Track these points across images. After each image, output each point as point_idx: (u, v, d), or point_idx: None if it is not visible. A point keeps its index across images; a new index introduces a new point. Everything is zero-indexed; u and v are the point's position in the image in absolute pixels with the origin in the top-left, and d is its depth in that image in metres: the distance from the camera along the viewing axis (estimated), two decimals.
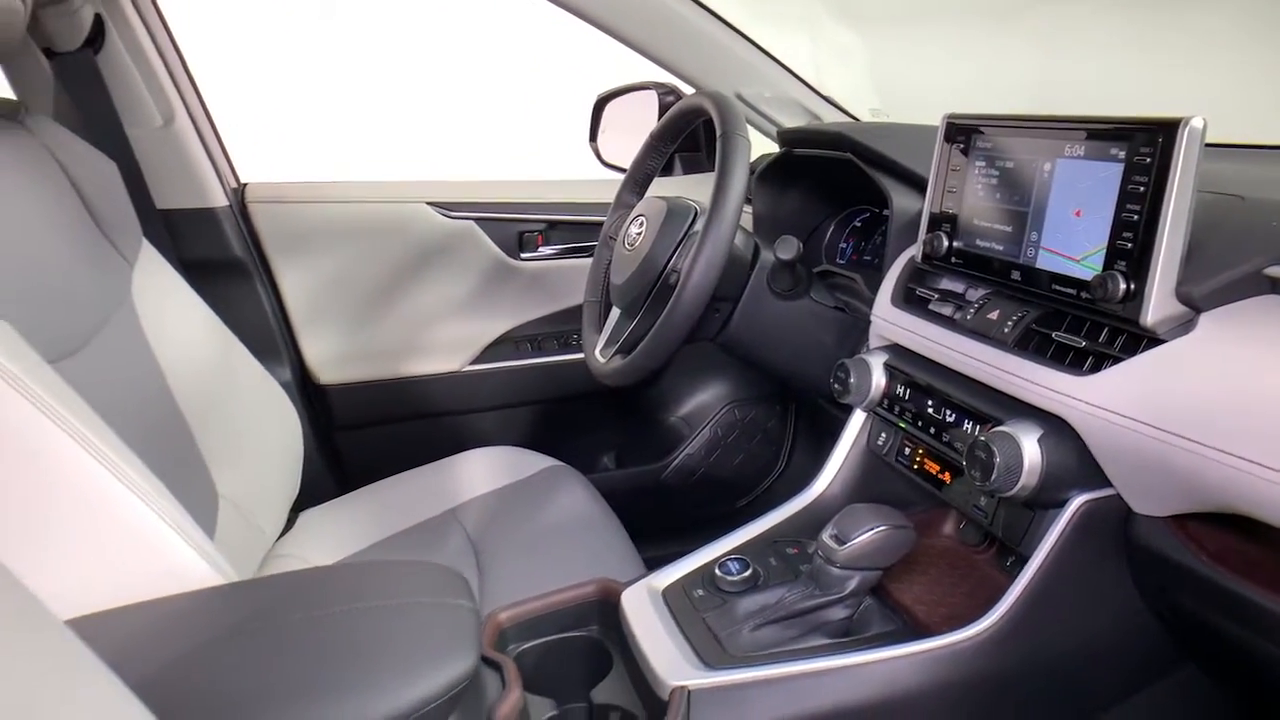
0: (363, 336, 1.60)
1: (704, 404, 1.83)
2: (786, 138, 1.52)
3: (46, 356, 0.78)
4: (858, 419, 1.12)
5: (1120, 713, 0.91)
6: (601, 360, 1.22)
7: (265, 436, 1.26)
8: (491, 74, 4.73)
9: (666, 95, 1.60)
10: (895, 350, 1.08)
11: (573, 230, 1.66)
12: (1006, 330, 0.90)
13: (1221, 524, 0.74)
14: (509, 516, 1.30)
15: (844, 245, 1.48)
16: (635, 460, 1.82)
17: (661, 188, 1.27)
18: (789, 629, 0.89)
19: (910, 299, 1.06)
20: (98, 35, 1.29)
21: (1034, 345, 0.86)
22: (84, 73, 1.29)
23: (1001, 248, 0.92)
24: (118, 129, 1.33)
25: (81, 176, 1.03)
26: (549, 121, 4.47)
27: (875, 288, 1.13)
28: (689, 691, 0.80)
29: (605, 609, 0.96)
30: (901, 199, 1.16)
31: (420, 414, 1.66)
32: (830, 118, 1.61)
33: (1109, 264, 0.79)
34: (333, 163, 4.11)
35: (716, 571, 0.96)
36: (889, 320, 1.08)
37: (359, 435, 1.65)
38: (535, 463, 1.44)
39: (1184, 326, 0.75)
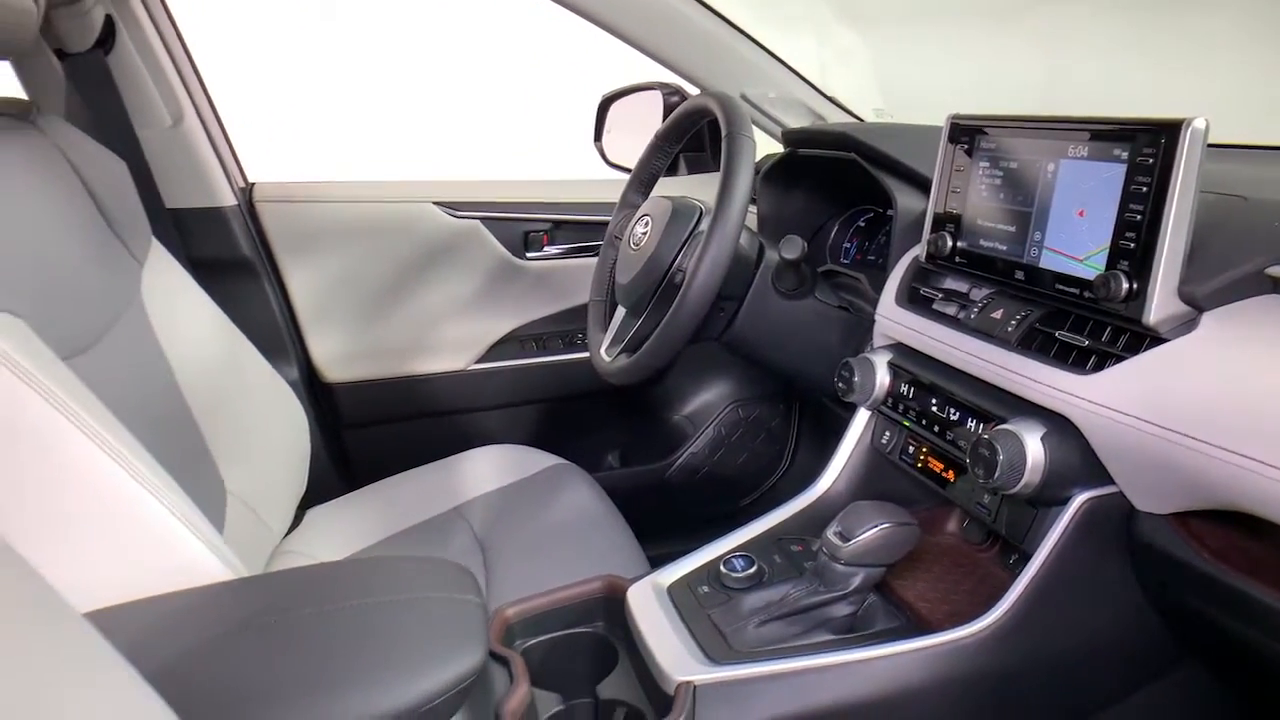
0: (369, 335, 1.61)
1: (708, 403, 1.83)
2: (791, 138, 1.53)
3: (59, 354, 0.79)
4: (862, 417, 1.13)
5: (1122, 709, 0.92)
6: (607, 359, 1.23)
7: (273, 434, 1.27)
8: (492, 70, 4.74)
9: (671, 95, 1.61)
10: (899, 349, 1.08)
11: (578, 230, 1.67)
12: (1010, 329, 0.90)
13: (1223, 521, 0.74)
14: (515, 514, 1.31)
15: (848, 245, 1.49)
16: (640, 459, 1.83)
17: (666, 188, 1.27)
18: (793, 625, 0.90)
19: (914, 298, 1.07)
20: (108, 36, 1.30)
21: (1037, 344, 0.87)
22: (95, 73, 1.30)
23: (1005, 247, 0.93)
24: (128, 129, 1.34)
25: (93, 176, 1.04)
26: (549, 118, 4.48)
27: (879, 287, 1.14)
28: (694, 686, 0.81)
29: (611, 605, 0.97)
30: (906, 199, 1.17)
31: (426, 412, 1.67)
32: (834, 118, 1.61)
33: (1112, 264, 0.79)
34: (333, 161, 4.11)
35: (721, 568, 0.97)
36: (893, 319, 1.09)
37: (366, 433, 1.66)
38: (540, 461, 1.45)
39: (1186, 326, 0.76)
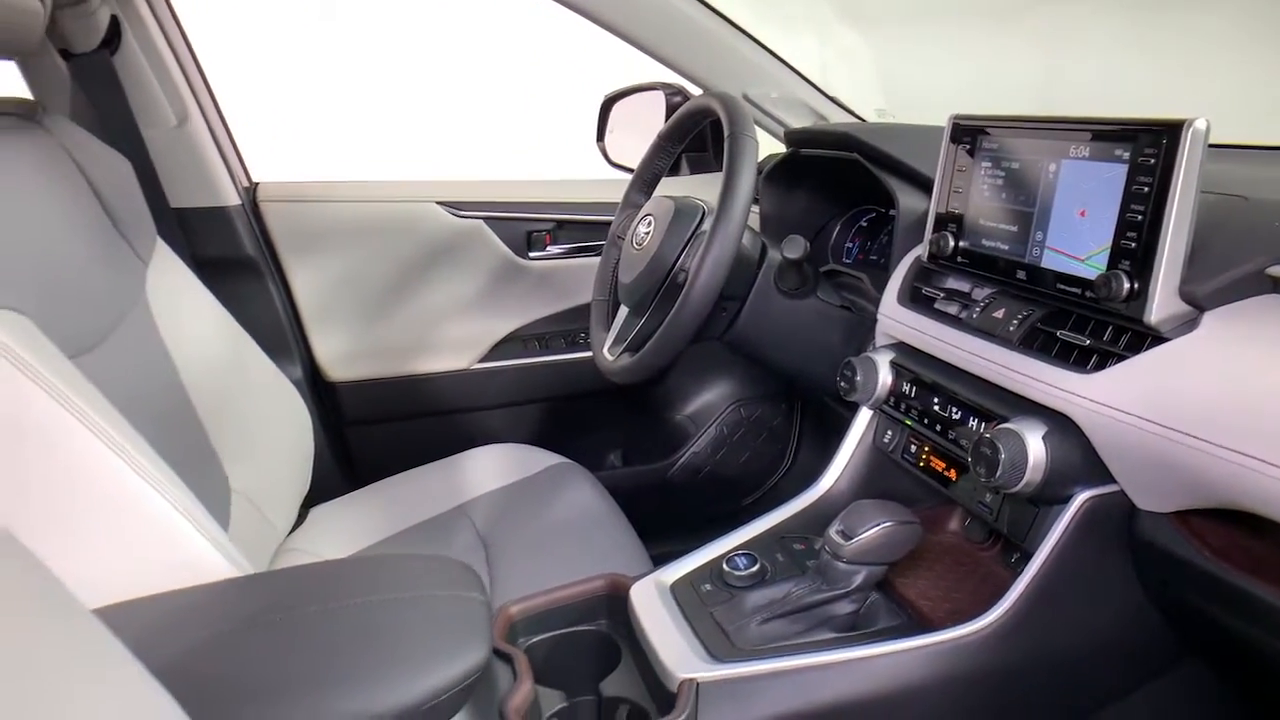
0: (373, 334, 1.62)
1: (710, 402, 1.84)
2: (793, 138, 1.53)
3: (65, 352, 0.79)
4: (864, 416, 1.13)
5: (1123, 707, 0.92)
6: (610, 358, 1.23)
7: (277, 432, 1.28)
8: (491, 69, 4.74)
9: (674, 96, 1.62)
10: (901, 349, 1.09)
11: (580, 230, 1.67)
12: (1012, 329, 0.91)
13: (1224, 520, 0.75)
14: (517, 513, 1.32)
15: (850, 245, 1.49)
16: (641, 458, 1.83)
17: (669, 188, 1.28)
18: (796, 623, 0.90)
19: (916, 298, 1.07)
20: (114, 37, 1.31)
21: (1039, 344, 0.87)
22: (100, 73, 1.30)
23: (1007, 247, 0.93)
24: (133, 129, 1.35)
25: (98, 176, 1.05)
26: (549, 116, 4.48)
27: (881, 287, 1.14)
28: (697, 684, 0.81)
29: (614, 603, 0.98)
30: (908, 199, 1.17)
31: (429, 411, 1.67)
32: (836, 118, 1.62)
33: (1113, 263, 0.80)
34: (333, 160, 4.12)
35: (724, 566, 0.97)
36: (895, 319, 1.09)
37: (369, 432, 1.67)
38: (543, 460, 1.45)
39: (1187, 325, 0.76)
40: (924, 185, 1.14)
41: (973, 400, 0.94)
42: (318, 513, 1.39)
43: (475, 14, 4.74)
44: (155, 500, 0.76)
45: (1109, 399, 0.78)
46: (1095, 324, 0.83)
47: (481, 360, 1.67)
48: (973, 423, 0.94)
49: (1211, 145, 0.74)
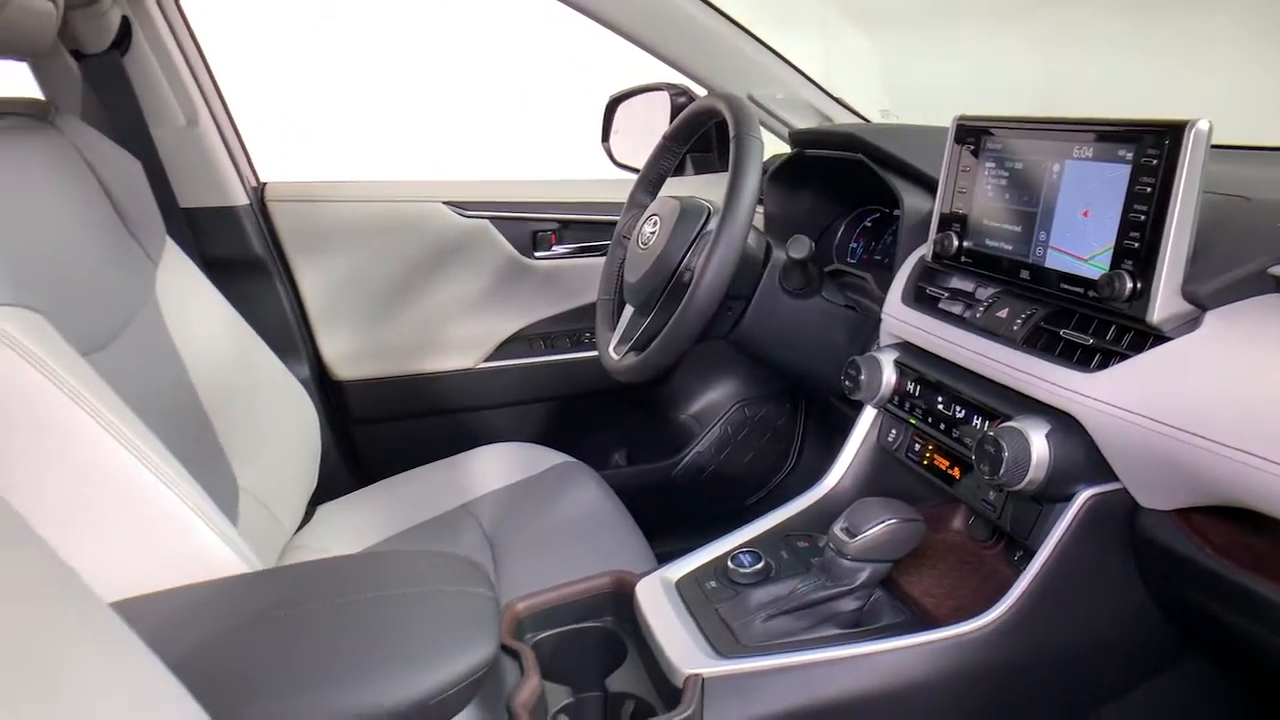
0: (379, 333, 1.62)
1: (714, 402, 1.84)
2: (798, 138, 1.54)
3: (78, 350, 0.80)
4: (868, 415, 1.14)
5: (1125, 704, 0.93)
6: (615, 357, 1.24)
7: (284, 431, 1.29)
8: (492, 70, 4.74)
9: (679, 96, 1.62)
10: (906, 348, 1.09)
11: (586, 229, 1.68)
12: (1015, 328, 0.91)
13: (1226, 517, 0.75)
14: (523, 511, 1.32)
15: (855, 245, 1.50)
16: (646, 457, 1.84)
17: (674, 188, 1.28)
18: (800, 620, 0.91)
19: (920, 297, 1.08)
20: (124, 37, 1.32)
21: (1042, 343, 0.88)
22: (110, 74, 1.32)
23: (1011, 247, 0.94)
24: (142, 129, 1.36)
25: (109, 176, 1.06)
26: (550, 117, 4.48)
27: (886, 286, 1.15)
28: (703, 679, 0.82)
29: (620, 600, 0.98)
30: (912, 199, 1.18)
31: (435, 410, 1.68)
32: (841, 119, 1.62)
33: (1116, 263, 0.80)
34: (333, 161, 4.12)
35: (729, 564, 0.98)
36: (899, 318, 1.09)
37: (375, 430, 1.68)
38: (548, 458, 1.46)
39: (1190, 324, 0.76)
40: (928, 185, 1.14)
41: (976, 399, 0.95)
42: (325, 510, 1.40)
43: (475, 15, 4.74)
44: (167, 496, 0.77)
45: (1112, 398, 0.78)
46: (1098, 323, 0.84)
47: (487, 359, 1.68)
48: (976, 421, 0.95)
49: (1214, 146, 0.75)
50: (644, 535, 1.28)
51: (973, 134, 0.99)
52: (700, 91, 1.59)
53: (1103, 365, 0.81)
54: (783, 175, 1.54)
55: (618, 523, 1.29)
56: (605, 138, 1.72)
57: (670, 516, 1.64)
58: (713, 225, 1.11)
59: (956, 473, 1.00)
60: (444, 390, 1.67)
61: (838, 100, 1.62)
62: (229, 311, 1.23)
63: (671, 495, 1.81)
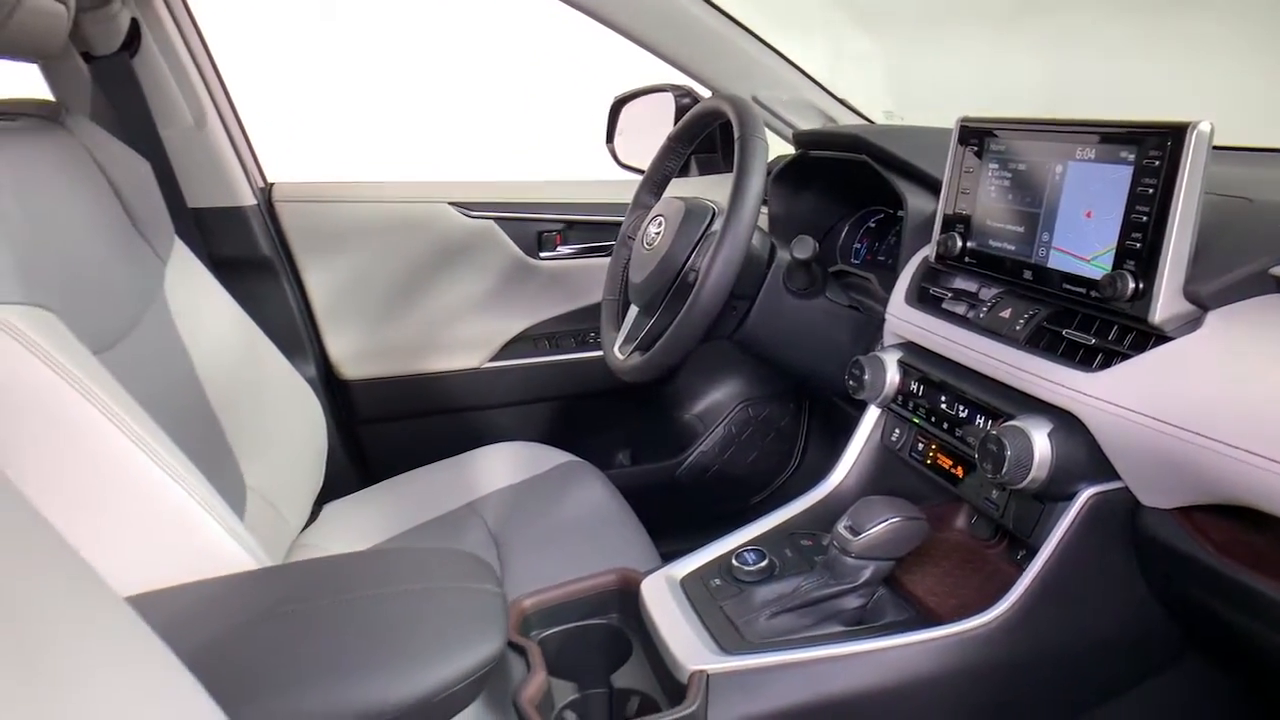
0: (385, 333, 1.63)
1: (718, 402, 1.85)
2: (802, 140, 1.54)
3: (88, 348, 0.81)
4: (872, 415, 1.14)
5: (1127, 702, 0.93)
6: (620, 357, 1.24)
7: (291, 430, 1.29)
8: (492, 68, 4.75)
9: (683, 97, 1.63)
10: (909, 348, 1.10)
11: (591, 230, 1.69)
12: (1018, 328, 0.92)
13: (1227, 515, 0.76)
14: (528, 510, 1.33)
15: (858, 245, 1.50)
16: (650, 457, 1.84)
17: (679, 188, 1.29)
18: (804, 617, 0.91)
19: (924, 298, 1.09)
20: (133, 39, 1.33)
21: (1045, 343, 0.89)
22: (120, 75, 1.32)
23: (1014, 248, 0.94)
24: (151, 130, 1.37)
25: (118, 176, 1.06)
26: (549, 115, 4.49)
27: (889, 287, 1.16)
28: (707, 675, 0.83)
29: (625, 597, 0.99)
30: (916, 200, 1.18)
31: (441, 409, 1.69)
32: (845, 120, 1.63)
33: (1118, 263, 0.81)
34: (333, 160, 4.13)
35: (733, 562, 0.98)
36: (903, 318, 1.10)
37: (381, 430, 1.68)
38: (553, 458, 1.47)
39: (1191, 324, 0.77)
40: (932, 186, 1.15)
41: (980, 398, 0.96)
42: (331, 509, 1.40)
43: (475, 13, 4.75)
44: (177, 492, 0.78)
45: (1114, 397, 0.79)
46: (1101, 323, 0.84)
47: (492, 359, 1.69)
48: (979, 421, 0.96)
49: (1215, 147, 0.76)
50: (648, 534, 1.29)
51: (976, 135, 1.00)
52: (704, 93, 1.59)
53: (1105, 365, 0.81)
54: (787, 176, 1.55)
55: (622, 521, 1.29)
56: (610, 139, 1.73)
57: (674, 516, 1.64)
58: (717, 226, 1.12)
59: (959, 472, 1.01)
60: (449, 390, 1.67)
61: (842, 101, 1.63)
62: (236, 311, 1.24)
63: (676, 495, 1.82)
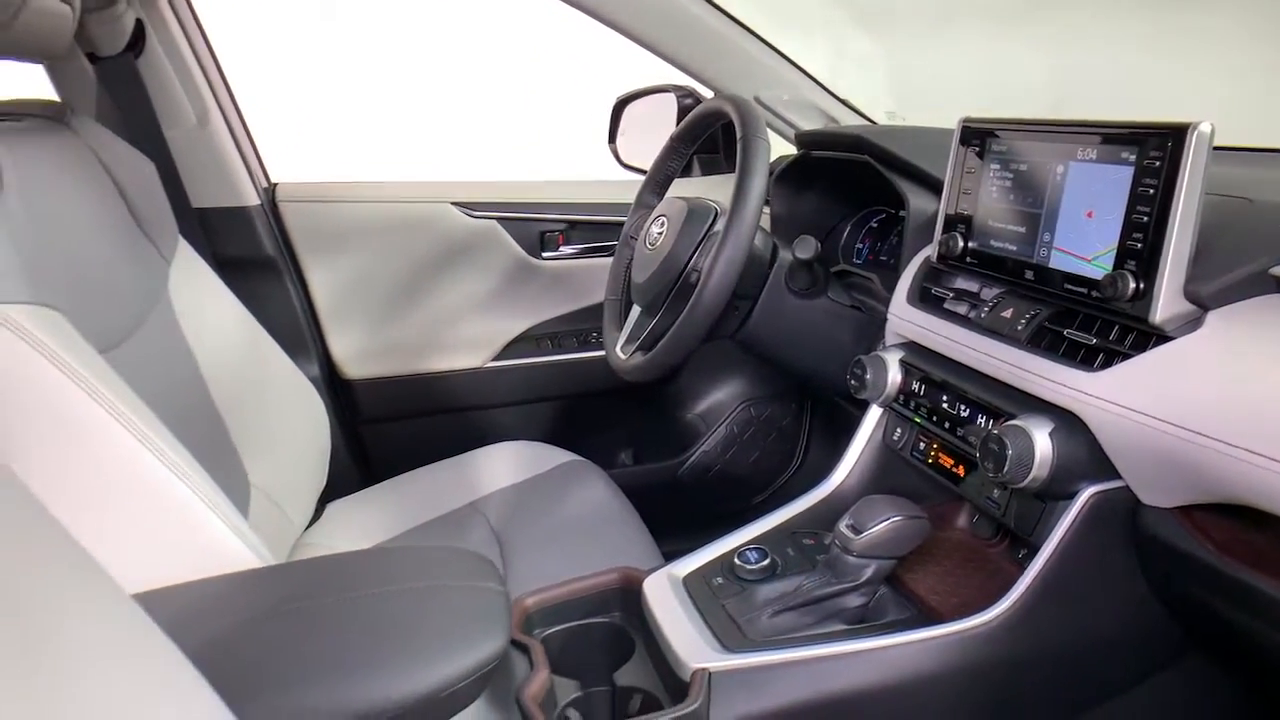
0: (388, 333, 1.64)
1: (720, 401, 1.85)
2: (804, 140, 1.55)
3: (94, 347, 0.81)
4: (874, 414, 1.14)
5: (1128, 700, 0.94)
6: (622, 357, 1.25)
7: (294, 429, 1.30)
8: (491, 64, 4.74)
9: (685, 98, 1.63)
10: (911, 347, 1.10)
11: (593, 230, 1.69)
12: (1020, 328, 0.92)
13: (1228, 514, 0.76)
14: (531, 509, 1.33)
15: (860, 245, 1.50)
16: (653, 456, 1.85)
17: (681, 189, 1.29)
18: (806, 615, 0.92)
19: (926, 298, 1.09)
20: (138, 40, 1.33)
21: (1046, 342, 0.89)
22: (124, 76, 1.33)
23: (1015, 248, 0.95)
24: (156, 130, 1.37)
25: (123, 176, 1.07)
26: (549, 112, 4.49)
27: (891, 287, 1.16)
28: (710, 673, 0.83)
29: (627, 596, 0.99)
30: (918, 200, 1.19)
31: (443, 409, 1.69)
32: (847, 120, 1.63)
33: (1119, 263, 0.81)
34: (335, 158, 4.12)
35: (736, 560, 0.99)
36: (905, 318, 1.10)
37: (384, 429, 1.69)
38: (555, 457, 1.47)
39: (1192, 324, 0.77)
40: (934, 187, 1.15)
41: (981, 398, 0.96)
42: (334, 508, 1.41)
43: (474, 10, 4.74)
44: (182, 490, 0.79)
45: (1115, 396, 0.79)
46: (1101, 323, 0.85)
47: (495, 359, 1.69)
48: (981, 420, 0.96)
49: (1216, 148, 0.76)
50: (650, 534, 1.29)
51: (978, 136, 1.00)
52: (706, 93, 1.60)
53: (1106, 365, 0.82)
54: (789, 176, 1.55)
55: (625, 520, 1.30)
56: (612, 139, 1.73)
57: (676, 515, 1.65)
58: (720, 226, 1.12)
59: (961, 471, 1.01)
60: (452, 389, 1.68)
61: (843, 102, 1.63)
62: (240, 310, 1.25)
63: (678, 494, 1.82)
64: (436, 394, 1.67)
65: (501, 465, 1.45)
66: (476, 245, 1.63)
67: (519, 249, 1.65)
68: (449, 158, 4.39)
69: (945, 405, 1.01)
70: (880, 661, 0.85)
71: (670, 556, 1.07)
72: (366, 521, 1.35)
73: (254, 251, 1.52)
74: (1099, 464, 0.83)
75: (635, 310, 1.30)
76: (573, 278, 1.70)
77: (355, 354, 1.63)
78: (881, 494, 0.95)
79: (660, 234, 1.19)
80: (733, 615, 0.92)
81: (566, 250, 1.69)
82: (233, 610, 0.71)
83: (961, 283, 1.05)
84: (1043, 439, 0.83)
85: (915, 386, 1.07)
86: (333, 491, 1.40)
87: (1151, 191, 0.78)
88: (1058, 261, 0.89)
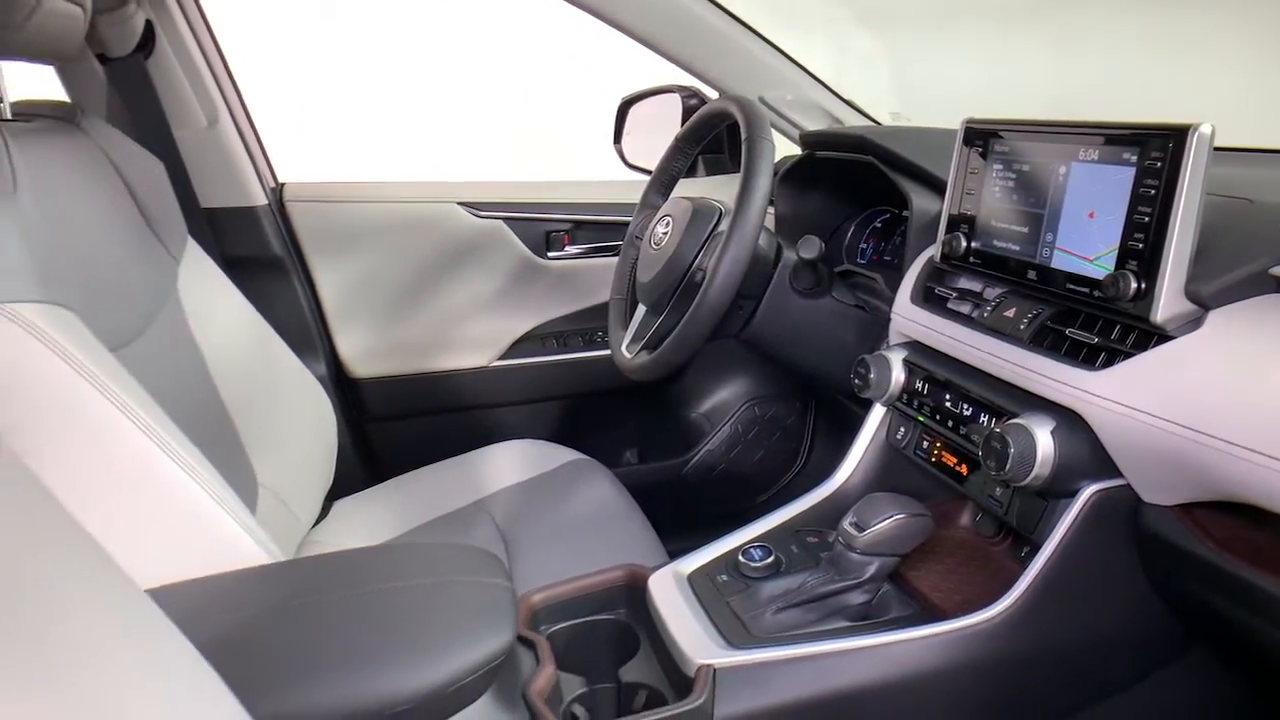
0: (395, 332, 1.65)
1: (725, 401, 1.86)
2: (808, 140, 1.55)
3: (105, 346, 0.82)
4: (877, 413, 1.15)
5: (1129, 697, 0.94)
6: (628, 356, 1.25)
7: (301, 428, 1.31)
8: (491, 64, 4.74)
9: (689, 99, 1.64)
10: (914, 347, 1.11)
11: (598, 230, 1.70)
12: (1022, 327, 0.93)
13: (1228, 512, 0.77)
14: (536, 507, 1.34)
15: (864, 245, 1.51)
16: (657, 455, 1.85)
17: (686, 189, 1.30)
18: (810, 612, 0.92)
19: (929, 297, 1.10)
20: (148, 41, 1.34)
21: (1048, 342, 0.90)
22: (134, 77, 1.34)
23: (1018, 248, 0.95)
24: (165, 131, 1.38)
25: (133, 176, 1.08)
26: (548, 111, 4.49)
27: (895, 287, 1.16)
28: (714, 669, 0.84)
29: (633, 593, 1.00)
30: (921, 200, 1.19)
31: (450, 408, 1.70)
32: (851, 121, 1.64)
33: (1121, 263, 0.82)
34: (334, 160, 4.13)
35: (740, 558, 0.99)
36: (908, 318, 1.11)
37: (391, 428, 1.70)
38: (561, 456, 1.48)
39: (1193, 324, 0.78)
40: (937, 187, 1.16)
41: (984, 397, 0.97)
42: (340, 507, 1.42)
43: (474, 9, 4.74)
44: (191, 488, 0.80)
45: (1116, 395, 0.80)
46: (1103, 323, 0.85)
47: (501, 358, 1.70)
48: (983, 419, 0.96)
49: (1217, 149, 0.76)
50: (655, 532, 1.29)
51: (981, 136, 1.01)
52: (710, 94, 1.60)
53: (1107, 364, 0.82)
54: (793, 177, 1.56)
55: (630, 518, 1.31)
56: (617, 139, 1.74)
57: (681, 513, 1.65)
58: (724, 226, 1.13)
59: (964, 469, 1.02)
60: (458, 388, 1.69)
61: (848, 102, 1.64)
62: (248, 310, 1.26)
63: (682, 493, 1.83)
64: (443, 393, 1.68)
65: (507, 464, 1.46)
66: (482, 245, 1.64)
67: (525, 248, 1.66)
68: (448, 153, 4.39)
69: (948, 404, 1.02)
70: (883, 658, 0.85)
71: (675, 555, 1.07)
72: (372, 520, 1.36)
73: (262, 251, 1.53)
74: (1100, 462, 0.83)
75: (640, 309, 1.30)
76: (578, 277, 1.70)
77: (362, 353, 1.64)
78: (885, 492, 0.96)
79: (665, 234, 1.20)
80: (737, 612, 0.92)
81: (572, 250, 1.70)
82: (242, 605, 0.72)
83: (965, 282, 1.06)
84: (1045, 437, 0.84)
85: (918, 385, 1.07)
86: (339, 490, 1.41)
87: (1153, 192, 0.79)
88: (1060, 261, 0.89)
